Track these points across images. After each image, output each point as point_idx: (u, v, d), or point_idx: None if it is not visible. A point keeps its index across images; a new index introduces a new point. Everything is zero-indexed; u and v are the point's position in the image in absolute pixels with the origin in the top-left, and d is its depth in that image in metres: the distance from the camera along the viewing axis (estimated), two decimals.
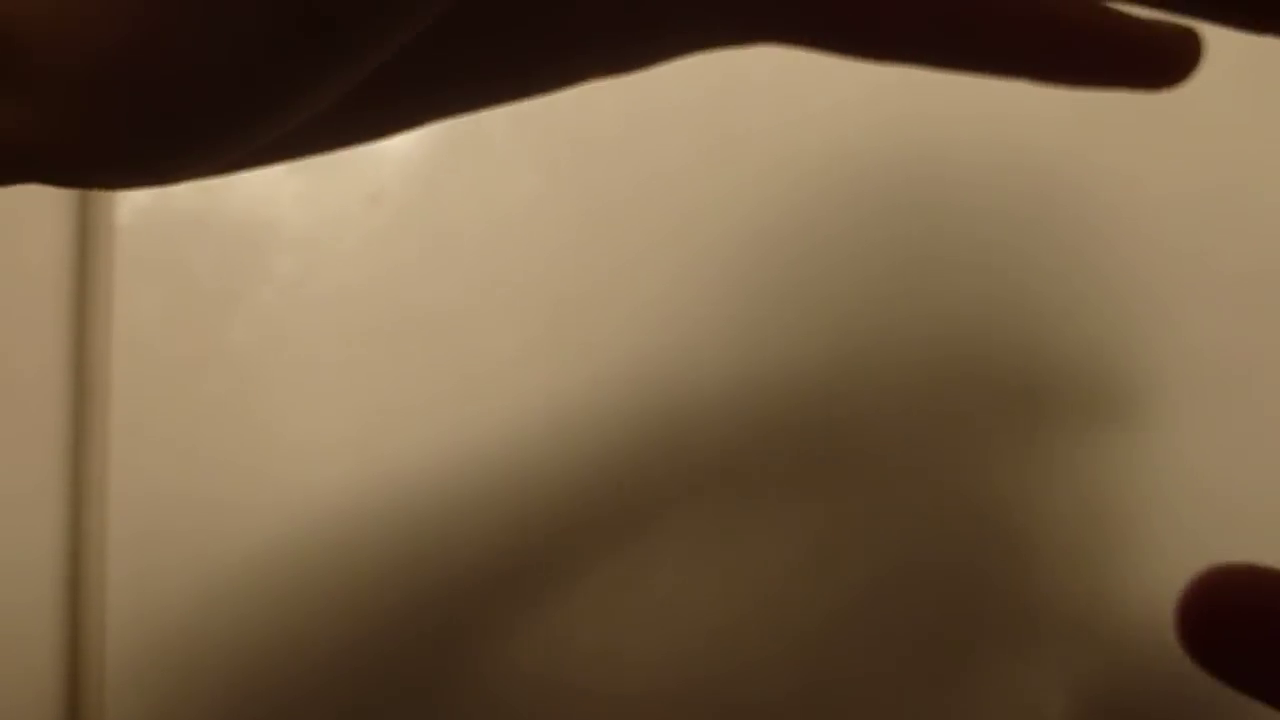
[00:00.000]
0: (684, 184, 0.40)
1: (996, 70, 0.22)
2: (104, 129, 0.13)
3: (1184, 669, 0.39)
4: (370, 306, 0.39)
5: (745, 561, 0.38)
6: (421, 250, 0.39)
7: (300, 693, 0.38)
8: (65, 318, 0.39)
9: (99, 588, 0.38)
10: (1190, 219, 0.40)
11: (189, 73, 0.13)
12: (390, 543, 0.38)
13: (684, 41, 0.20)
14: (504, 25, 0.18)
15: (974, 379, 0.39)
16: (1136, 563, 0.38)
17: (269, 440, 0.38)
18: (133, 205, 0.39)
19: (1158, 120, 0.39)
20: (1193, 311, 0.39)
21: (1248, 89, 0.39)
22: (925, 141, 0.39)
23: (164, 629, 0.38)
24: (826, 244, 0.39)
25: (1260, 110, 0.40)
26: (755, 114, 0.40)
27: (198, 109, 0.13)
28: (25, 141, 0.13)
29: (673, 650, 0.38)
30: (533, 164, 0.40)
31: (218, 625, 0.38)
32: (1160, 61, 0.22)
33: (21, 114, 0.13)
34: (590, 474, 0.38)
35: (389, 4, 0.13)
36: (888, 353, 0.39)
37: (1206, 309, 0.39)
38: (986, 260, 0.39)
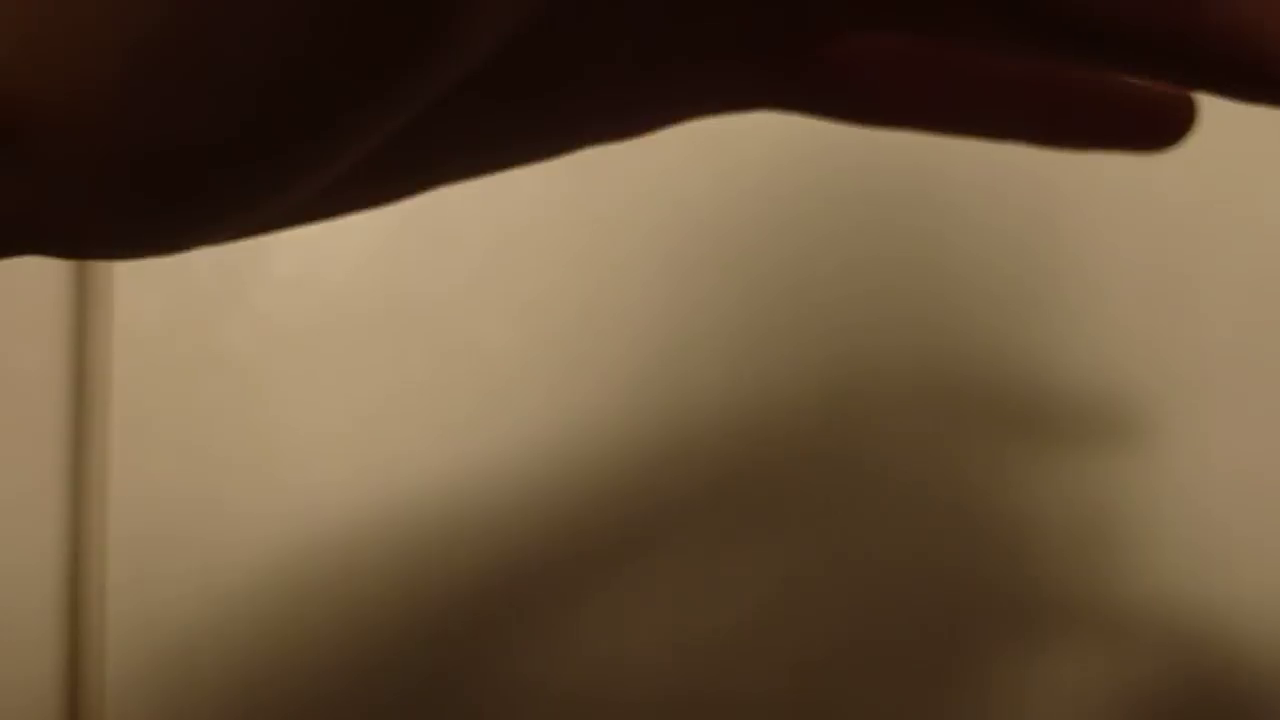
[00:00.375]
0: (684, 184, 0.40)
1: (994, 135, 0.22)
2: (104, 210, 0.13)
3: (1184, 668, 0.39)
4: (370, 307, 0.39)
5: (748, 570, 0.38)
6: (423, 250, 0.39)
7: (301, 694, 0.38)
8: (65, 318, 0.39)
9: (99, 588, 0.38)
10: (1191, 225, 0.40)
11: (193, 155, 0.12)
12: (391, 543, 0.38)
13: (682, 110, 0.20)
14: (505, 100, 0.18)
15: (972, 386, 0.39)
16: (1136, 567, 0.38)
17: (269, 440, 0.38)
18: None
19: None
20: (1193, 316, 0.39)
21: None
22: (923, 147, 0.39)
23: (164, 629, 0.38)
24: (827, 246, 0.39)
25: (1261, 115, 0.40)
26: (755, 116, 0.40)
27: (199, 190, 0.13)
28: (25, 220, 0.13)
29: (672, 657, 0.38)
30: (533, 165, 0.40)
31: (217, 625, 0.38)
32: (1156, 126, 0.22)
33: (22, 193, 0.13)
34: (592, 473, 0.38)
35: (383, 96, 0.13)
36: (889, 359, 0.39)
37: (1208, 314, 0.39)
38: (985, 267, 0.39)
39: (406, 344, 0.39)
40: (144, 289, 0.39)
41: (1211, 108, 0.40)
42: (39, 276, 0.39)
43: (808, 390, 0.39)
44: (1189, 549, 0.39)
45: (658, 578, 0.38)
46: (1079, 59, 0.18)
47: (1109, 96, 0.22)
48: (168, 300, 0.39)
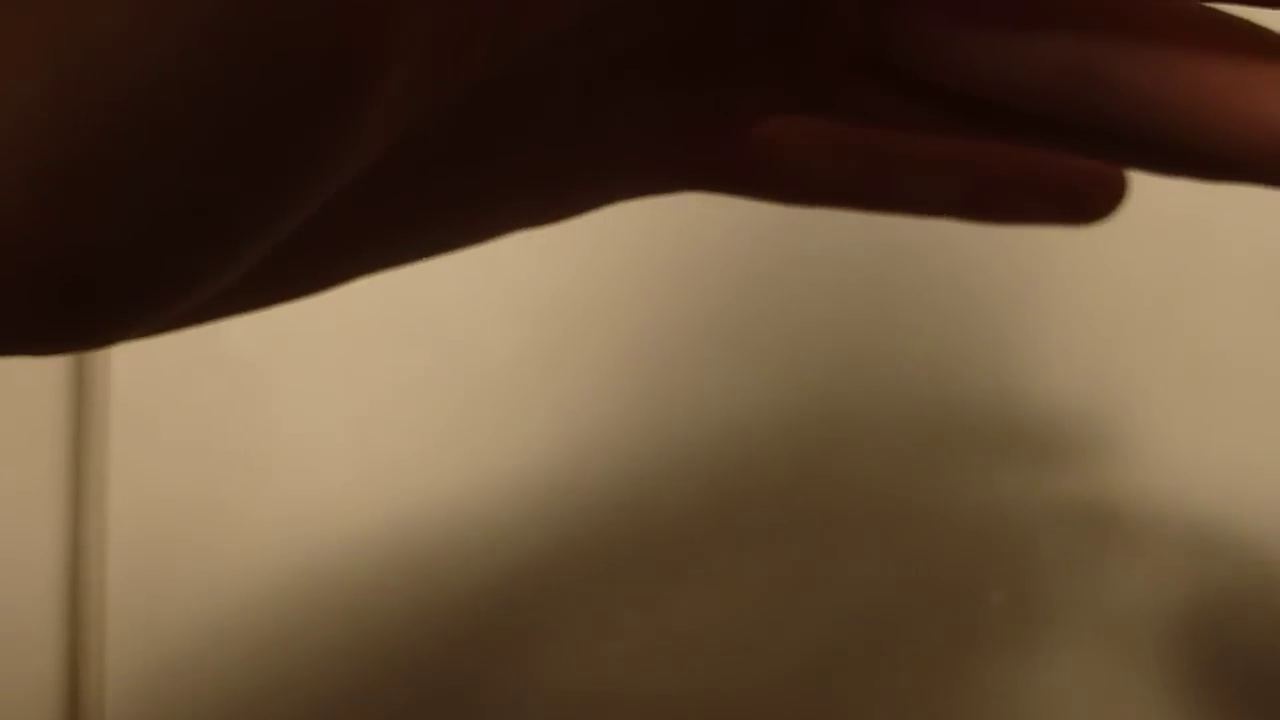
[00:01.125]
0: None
1: (919, 212, 0.22)
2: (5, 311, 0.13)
3: (1182, 667, 0.39)
4: (370, 307, 0.39)
5: (748, 576, 0.38)
6: None
7: (301, 695, 0.38)
8: None
9: (99, 588, 0.38)
10: (1187, 225, 0.40)
11: (86, 264, 0.13)
12: (391, 543, 0.38)
13: (595, 199, 0.20)
14: (416, 187, 0.17)
15: (973, 389, 0.39)
16: (1131, 569, 0.38)
17: (269, 440, 0.38)
18: None
19: None
20: (1187, 316, 0.39)
21: None
22: None
23: (164, 629, 0.38)
24: (831, 245, 0.39)
25: None
26: None
27: (94, 300, 0.13)
28: None
29: (669, 660, 0.38)
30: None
31: (217, 625, 0.38)
32: (1090, 199, 0.22)
33: None
34: (593, 483, 0.38)
35: (276, 195, 0.13)
36: (890, 363, 0.39)
37: (1201, 315, 0.39)
38: (978, 271, 0.39)
39: (407, 344, 0.39)
40: None
41: None
42: None
43: (805, 395, 0.39)
44: (1188, 546, 0.39)
45: (656, 580, 0.38)
46: (990, 133, 0.18)
47: (1034, 172, 0.22)
48: None
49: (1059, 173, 0.22)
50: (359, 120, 0.13)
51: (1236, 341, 0.39)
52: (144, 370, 0.38)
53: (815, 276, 0.39)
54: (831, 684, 0.38)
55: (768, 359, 0.39)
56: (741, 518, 0.39)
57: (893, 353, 0.39)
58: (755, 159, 0.21)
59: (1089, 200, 0.22)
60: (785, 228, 0.40)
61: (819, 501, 0.39)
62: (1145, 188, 0.40)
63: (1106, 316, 0.39)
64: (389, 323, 0.39)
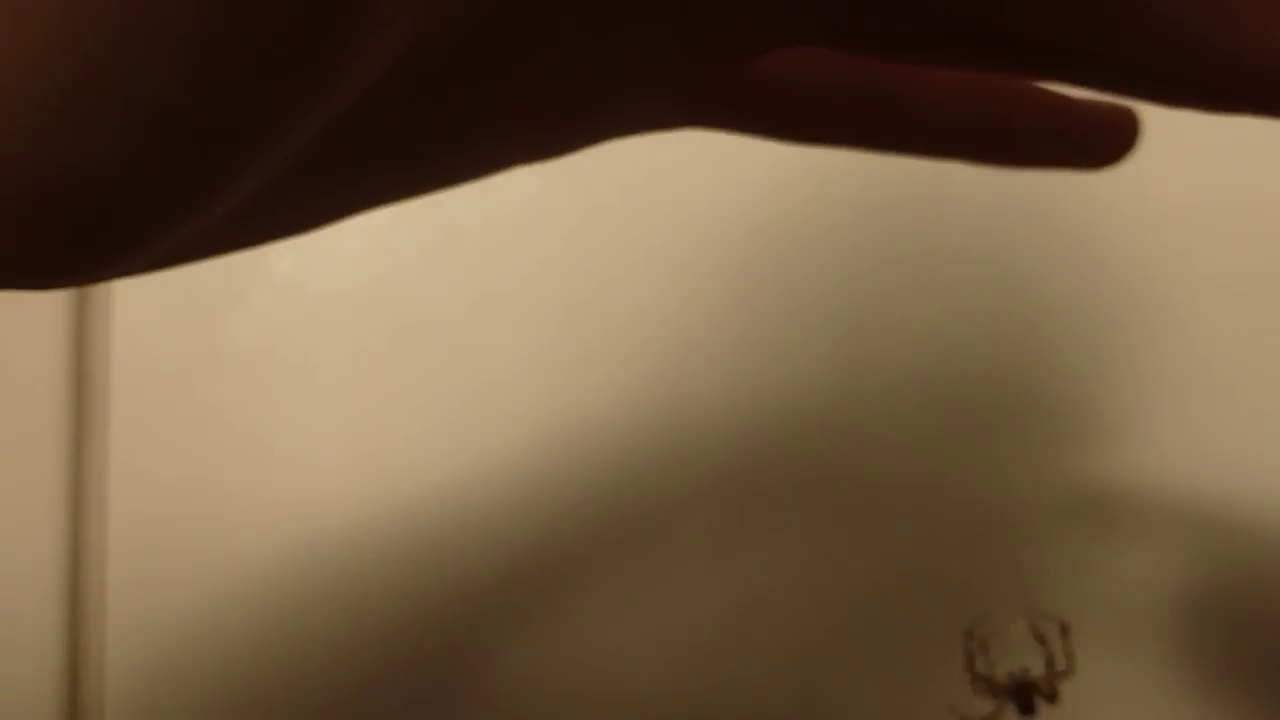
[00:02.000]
0: (683, 185, 0.40)
1: (928, 152, 0.22)
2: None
3: (1184, 663, 0.39)
4: (370, 308, 0.39)
5: (746, 569, 0.38)
6: (422, 251, 0.39)
7: (300, 694, 0.38)
8: (65, 318, 0.39)
9: (99, 588, 0.38)
10: (1191, 221, 0.40)
11: (84, 184, 0.13)
12: (389, 542, 0.38)
13: (602, 131, 0.20)
14: (416, 113, 0.17)
15: (972, 384, 0.39)
16: (1132, 565, 0.38)
17: (269, 441, 0.38)
18: None
19: (1158, 120, 0.39)
20: (1193, 313, 0.39)
21: None
22: None
23: (164, 629, 0.38)
24: (827, 245, 0.39)
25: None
26: None
27: (92, 221, 0.13)
28: None
29: (671, 660, 0.38)
30: (532, 167, 0.40)
31: (217, 625, 0.38)
32: (1098, 141, 0.22)
33: None
34: (590, 477, 0.38)
35: (276, 109, 0.13)
36: (888, 355, 0.39)
37: (1207, 311, 0.39)
38: (986, 262, 0.39)
39: (406, 345, 0.39)
40: (144, 289, 0.39)
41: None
42: None
43: (806, 392, 0.39)
44: (1184, 551, 0.39)
45: (655, 578, 0.38)
46: (1008, 66, 0.18)
47: (1046, 111, 0.21)
48: (168, 300, 0.39)
49: (1073, 114, 0.21)
50: (353, 38, 0.13)
51: (1236, 337, 0.39)
52: (144, 370, 0.38)
53: (811, 277, 0.39)
54: (831, 682, 0.38)
55: (766, 359, 0.39)
56: (740, 517, 0.39)
57: (891, 350, 0.39)
58: (767, 93, 0.20)
59: (1102, 143, 0.22)
60: (805, 202, 0.40)
61: (817, 499, 0.39)
62: (1148, 181, 0.40)
63: (1107, 316, 0.39)
64: (387, 323, 0.39)
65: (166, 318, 0.39)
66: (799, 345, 0.39)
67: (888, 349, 0.39)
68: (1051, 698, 0.36)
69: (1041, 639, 0.36)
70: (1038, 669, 0.36)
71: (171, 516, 0.38)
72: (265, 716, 0.38)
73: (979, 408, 0.39)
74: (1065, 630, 0.36)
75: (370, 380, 0.39)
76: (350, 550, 0.38)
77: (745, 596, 0.38)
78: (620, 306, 0.39)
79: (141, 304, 0.39)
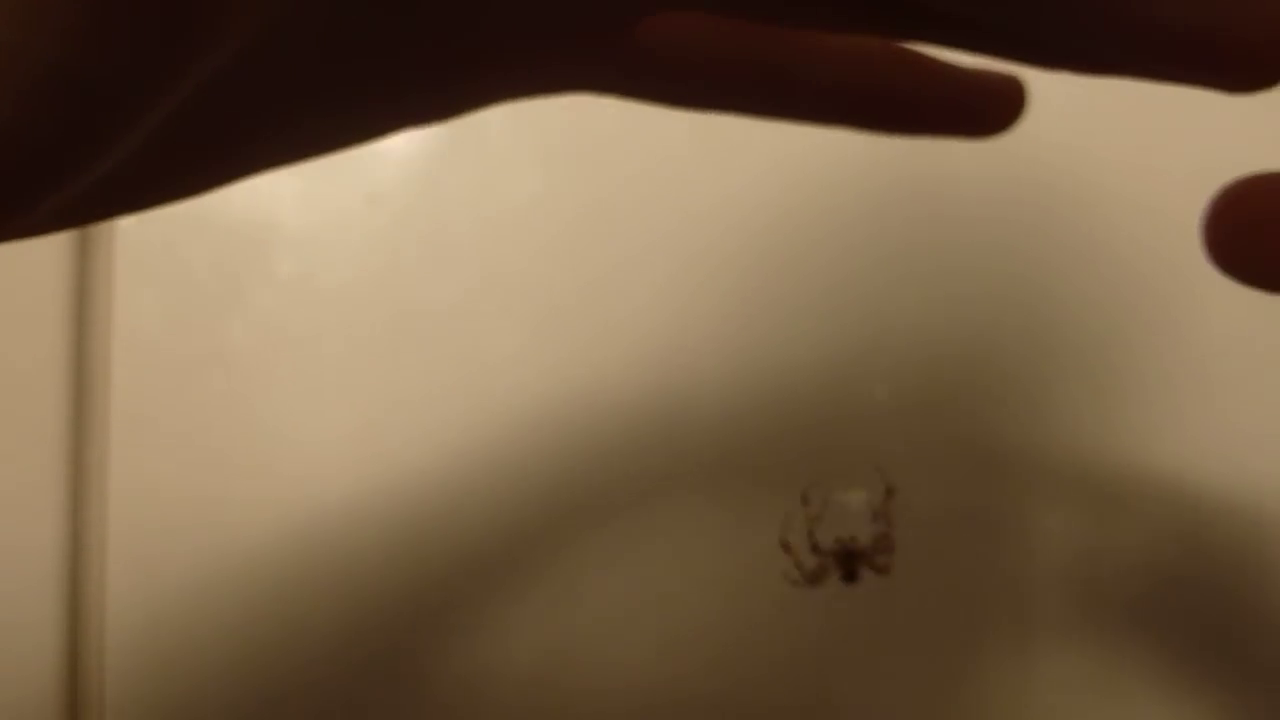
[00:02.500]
0: (681, 184, 0.40)
1: (816, 117, 0.22)
2: None
3: (1182, 662, 0.39)
4: (370, 306, 0.39)
5: (741, 561, 0.38)
6: (421, 250, 0.39)
7: (298, 688, 0.38)
8: (65, 318, 0.39)
9: (99, 586, 0.38)
10: (1194, 212, 0.40)
11: None
12: (388, 540, 0.38)
13: (493, 93, 0.20)
14: (294, 77, 0.17)
15: (973, 373, 0.39)
16: (1132, 566, 0.39)
17: (268, 439, 0.38)
18: None
19: (1159, 115, 0.39)
20: (1196, 306, 0.39)
21: None
22: (920, 146, 0.39)
23: (164, 627, 0.38)
24: (824, 241, 0.39)
25: (1263, 103, 0.40)
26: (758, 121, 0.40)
27: None
28: None
29: (668, 648, 0.38)
30: (532, 164, 0.40)
31: (217, 623, 0.38)
32: (984, 109, 0.22)
33: None
34: (586, 472, 0.38)
35: (147, 72, 0.14)
36: (885, 347, 0.39)
37: (1209, 303, 0.39)
38: (988, 252, 0.39)
39: (405, 344, 0.39)
40: (144, 289, 0.39)
41: (1208, 101, 0.40)
42: (39, 276, 0.39)
43: (802, 386, 0.39)
44: (1190, 540, 0.39)
45: (655, 576, 0.38)
46: (889, 30, 0.18)
47: (931, 78, 0.21)
48: (168, 300, 0.39)
49: (959, 81, 0.21)
50: (218, 10, 0.14)
51: (1237, 336, 0.39)
52: (144, 370, 0.38)
53: (809, 272, 0.39)
54: (830, 681, 0.38)
55: (763, 353, 0.39)
56: (734, 507, 0.39)
57: (889, 346, 0.39)
58: (653, 56, 0.20)
59: (989, 110, 0.22)
60: (802, 198, 0.40)
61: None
62: (1146, 189, 0.40)
63: (1107, 315, 0.39)
64: (387, 323, 0.39)
65: (166, 318, 0.39)
66: (796, 339, 0.39)
67: (886, 337, 0.39)
68: (883, 569, 0.36)
69: (877, 514, 0.36)
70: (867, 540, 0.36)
71: (171, 516, 0.38)
72: (264, 707, 0.38)
73: (982, 395, 0.39)
74: (890, 492, 0.36)
75: (369, 378, 0.39)
76: (348, 545, 0.38)
77: (742, 585, 0.38)
78: (617, 301, 0.39)
79: (141, 304, 0.39)
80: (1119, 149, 0.39)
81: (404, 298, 0.39)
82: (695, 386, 0.39)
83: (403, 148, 0.39)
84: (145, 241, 0.39)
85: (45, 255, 0.39)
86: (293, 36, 0.16)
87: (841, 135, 0.41)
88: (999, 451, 0.39)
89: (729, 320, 0.39)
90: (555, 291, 0.39)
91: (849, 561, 0.36)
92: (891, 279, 0.39)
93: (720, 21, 0.20)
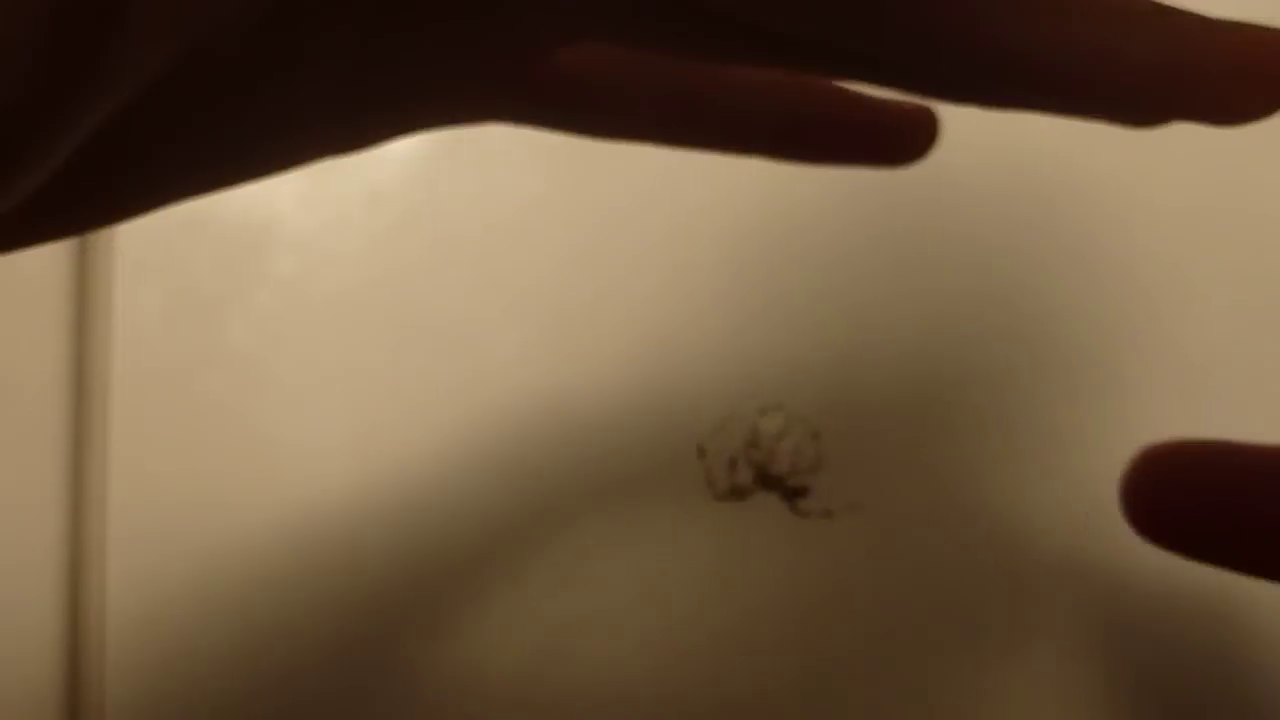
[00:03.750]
0: (682, 185, 0.40)
1: (729, 147, 0.22)
2: None
3: (1181, 666, 0.39)
4: (370, 307, 0.39)
5: (742, 563, 0.38)
6: (421, 251, 0.39)
7: (298, 690, 0.38)
8: (65, 318, 0.39)
9: (99, 587, 0.38)
10: (1188, 220, 0.40)
11: None
12: (388, 543, 0.38)
13: (406, 125, 0.20)
14: (212, 111, 0.17)
15: (970, 381, 0.39)
16: (1132, 566, 0.39)
17: (268, 440, 0.38)
18: None
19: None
20: (1189, 313, 0.39)
21: None
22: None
23: (164, 628, 0.38)
24: (825, 244, 0.39)
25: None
26: None
27: None
28: None
29: (665, 643, 0.38)
30: (532, 165, 0.40)
31: (217, 624, 0.38)
32: (896, 139, 0.22)
33: None
34: (587, 474, 0.38)
35: (49, 98, 0.14)
36: (884, 355, 0.39)
37: (1209, 303, 0.39)
38: (981, 256, 0.39)
39: (405, 344, 0.39)
40: (144, 289, 0.39)
41: None
42: (39, 276, 0.39)
43: (800, 392, 0.39)
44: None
45: (653, 574, 0.38)
46: (782, 63, 0.18)
47: (842, 108, 0.21)
48: (168, 300, 0.39)
49: (870, 112, 0.22)
50: (101, 51, 0.14)
51: (1238, 338, 0.39)
52: (144, 370, 0.39)
53: (808, 278, 0.39)
54: (826, 674, 0.38)
55: (762, 359, 0.39)
56: (739, 513, 0.39)
57: (884, 353, 0.39)
58: (562, 88, 0.21)
59: (901, 140, 0.22)
60: (803, 202, 0.40)
61: (815, 497, 0.39)
62: (1142, 193, 0.40)
63: (1105, 318, 0.39)
64: (387, 323, 0.39)
65: (166, 318, 0.39)
66: (794, 345, 0.39)
67: (884, 346, 0.39)
68: (801, 492, 0.36)
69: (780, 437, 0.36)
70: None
71: (171, 516, 0.38)
72: (264, 709, 0.38)
73: (978, 402, 0.39)
74: (816, 435, 0.36)
75: (370, 380, 0.39)
76: (350, 548, 0.38)
77: (743, 587, 0.38)
78: (617, 306, 0.39)
79: (141, 304, 0.39)
80: (1112, 153, 0.39)
81: (405, 298, 0.39)
82: (697, 386, 0.39)
83: (403, 148, 0.39)
84: (145, 241, 0.39)
85: (45, 255, 0.39)
86: (200, 69, 0.16)
87: None
88: (996, 453, 0.39)
89: (732, 320, 0.39)
90: (556, 291, 0.39)
91: (771, 485, 0.36)
92: (890, 283, 0.39)
93: (627, 54, 0.21)
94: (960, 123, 0.40)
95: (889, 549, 0.38)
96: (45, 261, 0.39)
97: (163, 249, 0.39)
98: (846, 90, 0.22)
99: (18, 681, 0.38)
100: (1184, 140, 0.40)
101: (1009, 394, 0.39)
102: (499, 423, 0.38)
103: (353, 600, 0.38)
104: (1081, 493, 0.39)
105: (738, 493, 0.36)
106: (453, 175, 0.39)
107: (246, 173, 0.19)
